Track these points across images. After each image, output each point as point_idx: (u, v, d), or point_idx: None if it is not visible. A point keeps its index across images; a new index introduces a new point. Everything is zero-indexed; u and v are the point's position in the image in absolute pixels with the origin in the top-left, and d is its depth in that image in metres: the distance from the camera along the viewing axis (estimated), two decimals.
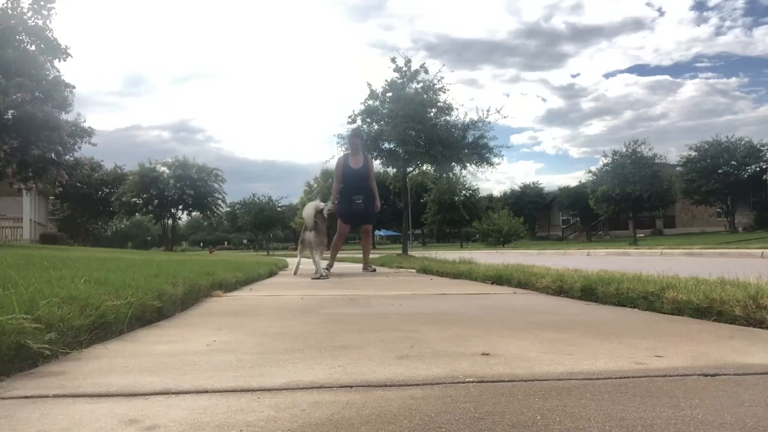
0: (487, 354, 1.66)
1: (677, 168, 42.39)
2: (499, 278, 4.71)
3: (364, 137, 9.54)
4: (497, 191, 66.87)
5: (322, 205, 6.78)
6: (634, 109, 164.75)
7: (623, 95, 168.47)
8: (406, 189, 15.12)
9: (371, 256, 9.01)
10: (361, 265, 8.26)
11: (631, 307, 2.86)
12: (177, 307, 2.86)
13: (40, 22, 14.01)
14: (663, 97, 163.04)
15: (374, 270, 7.85)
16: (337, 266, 10.81)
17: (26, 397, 1.24)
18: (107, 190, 42.77)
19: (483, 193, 54.83)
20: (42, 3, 13.82)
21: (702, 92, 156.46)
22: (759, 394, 1.23)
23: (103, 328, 1.95)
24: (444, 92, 14.96)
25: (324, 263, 6.84)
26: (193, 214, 46.68)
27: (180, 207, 42.16)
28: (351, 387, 1.32)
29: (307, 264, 7.09)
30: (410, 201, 19.05)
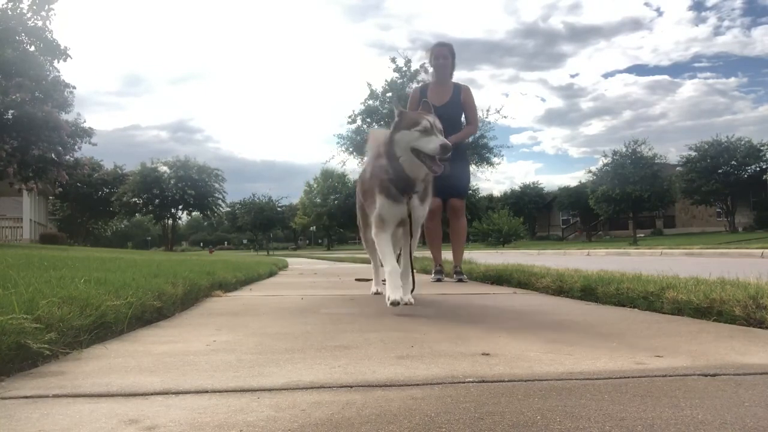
0: (487, 354, 1.66)
1: (677, 168, 42.45)
2: (499, 278, 4.71)
3: (454, 51, 4.86)
4: (497, 191, 66.98)
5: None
6: (633, 109, 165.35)
7: (622, 95, 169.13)
8: None
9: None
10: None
11: (631, 307, 2.86)
12: (177, 307, 2.86)
13: (40, 23, 14.05)
14: (662, 97, 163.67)
15: (465, 279, 4.92)
16: (337, 267, 10.79)
17: (26, 397, 1.24)
18: (107, 190, 42.83)
19: (483, 193, 54.93)
20: (41, 3, 13.83)
21: (701, 92, 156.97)
22: (759, 394, 1.23)
23: (103, 328, 1.95)
24: None
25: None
26: (194, 214, 46.77)
27: (180, 207, 42.24)
28: (351, 387, 1.32)
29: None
30: None
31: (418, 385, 1.33)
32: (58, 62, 14.67)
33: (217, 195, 43.31)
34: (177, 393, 1.28)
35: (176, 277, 3.31)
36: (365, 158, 3.23)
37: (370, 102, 15.35)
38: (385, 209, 2.93)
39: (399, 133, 2.76)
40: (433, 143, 2.62)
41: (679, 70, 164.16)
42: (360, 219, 3.65)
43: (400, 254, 3.18)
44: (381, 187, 2.92)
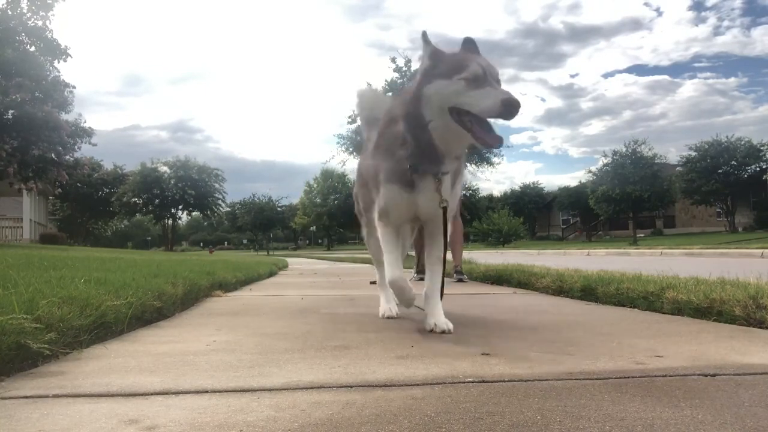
0: (487, 354, 1.66)
1: (677, 168, 42.45)
2: (499, 278, 4.71)
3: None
4: (497, 191, 66.82)
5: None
6: (633, 109, 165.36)
7: (622, 95, 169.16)
8: None
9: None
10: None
11: (631, 307, 2.86)
12: (177, 307, 2.86)
13: (40, 23, 14.06)
14: (662, 97, 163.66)
15: (465, 279, 5.08)
16: (337, 267, 10.79)
17: (26, 397, 1.24)
18: (107, 190, 42.80)
19: (483, 193, 54.86)
20: (41, 4, 13.84)
21: (701, 92, 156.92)
22: (759, 394, 1.23)
23: (103, 328, 1.95)
24: None
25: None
26: (194, 214, 46.78)
27: (180, 207, 42.24)
28: (351, 387, 1.32)
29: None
30: None
31: (418, 385, 1.33)
32: (58, 62, 14.69)
33: (217, 195, 43.31)
34: (177, 393, 1.28)
35: (176, 277, 3.31)
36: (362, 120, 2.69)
37: None
38: (394, 201, 2.05)
39: (433, 83, 1.85)
40: (490, 97, 1.73)
41: (679, 70, 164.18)
42: (360, 206, 2.61)
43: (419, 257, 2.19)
44: (389, 169, 2.02)
